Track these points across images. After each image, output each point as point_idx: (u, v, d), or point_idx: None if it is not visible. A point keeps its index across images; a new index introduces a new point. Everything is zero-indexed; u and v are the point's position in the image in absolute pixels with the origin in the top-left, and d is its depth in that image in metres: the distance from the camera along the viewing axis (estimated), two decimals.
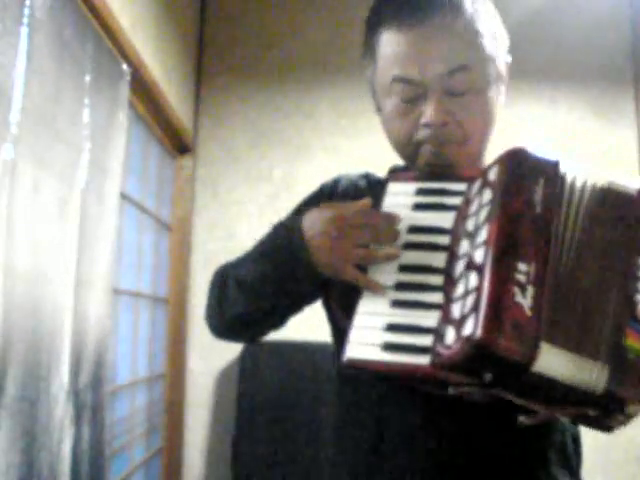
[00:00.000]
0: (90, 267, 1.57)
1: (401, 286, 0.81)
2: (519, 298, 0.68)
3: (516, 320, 0.67)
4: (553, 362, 0.67)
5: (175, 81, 2.57)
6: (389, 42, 0.90)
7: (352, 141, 2.96)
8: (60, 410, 1.36)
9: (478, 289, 0.71)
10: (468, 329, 0.69)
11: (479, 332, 0.67)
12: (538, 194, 0.75)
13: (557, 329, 0.69)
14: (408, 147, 0.92)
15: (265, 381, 2.66)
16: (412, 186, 0.89)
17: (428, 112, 0.88)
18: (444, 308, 0.76)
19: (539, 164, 0.78)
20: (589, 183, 0.77)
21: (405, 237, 0.84)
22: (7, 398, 1.16)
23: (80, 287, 1.49)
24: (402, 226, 0.85)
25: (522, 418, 0.75)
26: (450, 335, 0.72)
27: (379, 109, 0.98)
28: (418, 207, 0.87)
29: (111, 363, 1.91)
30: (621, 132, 2.99)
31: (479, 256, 0.74)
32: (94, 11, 1.61)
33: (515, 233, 0.73)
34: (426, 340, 0.75)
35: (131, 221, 2.29)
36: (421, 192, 0.89)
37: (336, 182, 1.04)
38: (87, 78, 1.54)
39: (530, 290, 0.69)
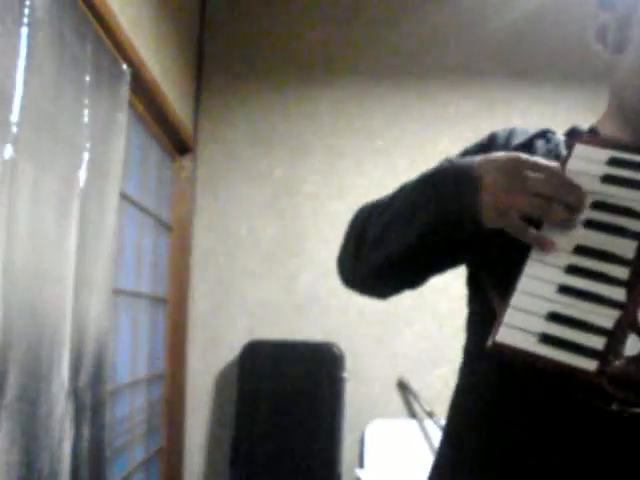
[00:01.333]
0: (90, 267, 1.57)
1: (573, 270, 0.69)
2: None
3: None
4: None
5: (175, 81, 2.57)
6: None
7: (352, 141, 2.96)
8: (60, 410, 1.36)
9: None
10: None
11: None
12: None
13: None
14: None
15: (265, 381, 2.66)
16: (605, 153, 0.75)
17: None
18: (627, 309, 0.65)
19: None
20: None
21: (587, 213, 0.71)
22: (7, 398, 1.16)
23: (80, 287, 1.49)
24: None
25: None
26: (634, 345, 0.62)
27: (621, 48, 0.83)
28: (608, 180, 0.72)
29: (111, 363, 1.91)
30: None
31: None
32: (94, 11, 1.61)
33: None
34: (596, 342, 0.64)
35: (131, 221, 2.29)
36: (615, 162, 0.74)
37: (510, 134, 0.91)
38: (87, 78, 1.54)
39: None
